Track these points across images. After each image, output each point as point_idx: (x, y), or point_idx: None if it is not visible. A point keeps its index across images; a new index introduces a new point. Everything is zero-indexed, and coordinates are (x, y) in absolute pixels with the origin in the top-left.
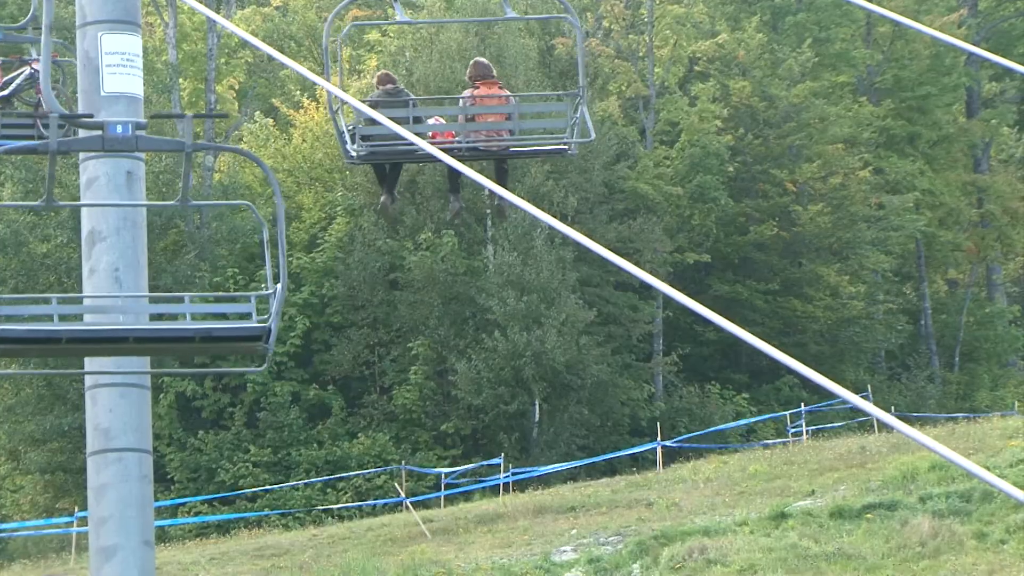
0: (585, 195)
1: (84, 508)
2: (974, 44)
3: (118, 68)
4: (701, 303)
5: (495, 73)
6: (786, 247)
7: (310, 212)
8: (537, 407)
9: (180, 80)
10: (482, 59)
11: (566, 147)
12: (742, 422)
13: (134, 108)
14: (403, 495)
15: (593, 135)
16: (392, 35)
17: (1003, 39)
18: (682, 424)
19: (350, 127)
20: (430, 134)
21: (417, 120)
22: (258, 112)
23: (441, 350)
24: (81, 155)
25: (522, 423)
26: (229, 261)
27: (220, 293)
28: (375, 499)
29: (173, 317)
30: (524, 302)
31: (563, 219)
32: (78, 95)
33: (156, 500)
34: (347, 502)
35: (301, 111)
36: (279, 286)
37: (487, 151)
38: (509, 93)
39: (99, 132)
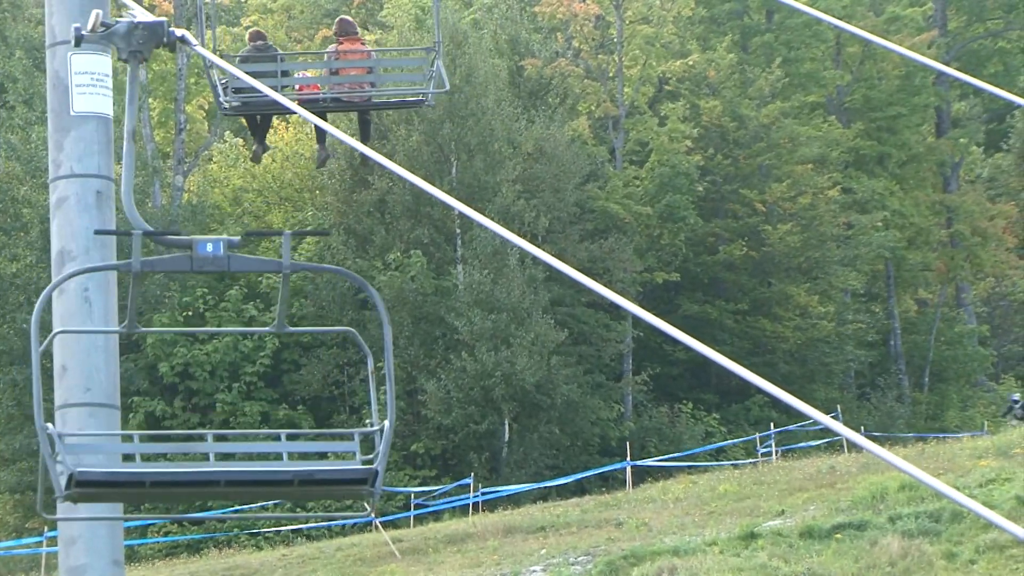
0: (557, 215)
1: (54, 528)
2: (944, 64)
3: (88, 88)
4: (670, 323)
5: (358, 31)
6: (755, 267)
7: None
8: (507, 427)
9: (150, 100)
10: (346, 17)
11: (423, 99)
12: (712, 446)
13: (104, 128)
14: (372, 515)
15: (447, 86)
16: None
17: (972, 59)
18: (652, 444)
19: (223, 81)
20: (297, 87)
21: (285, 74)
22: (228, 132)
23: (411, 370)
24: (50, 173)
25: (492, 443)
26: (199, 281)
27: (320, 430)
28: (344, 519)
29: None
30: (492, 321)
31: (534, 239)
32: (48, 115)
33: (126, 520)
34: (316, 522)
35: (270, 131)
36: (387, 423)
37: (350, 102)
38: (371, 48)
39: (187, 251)
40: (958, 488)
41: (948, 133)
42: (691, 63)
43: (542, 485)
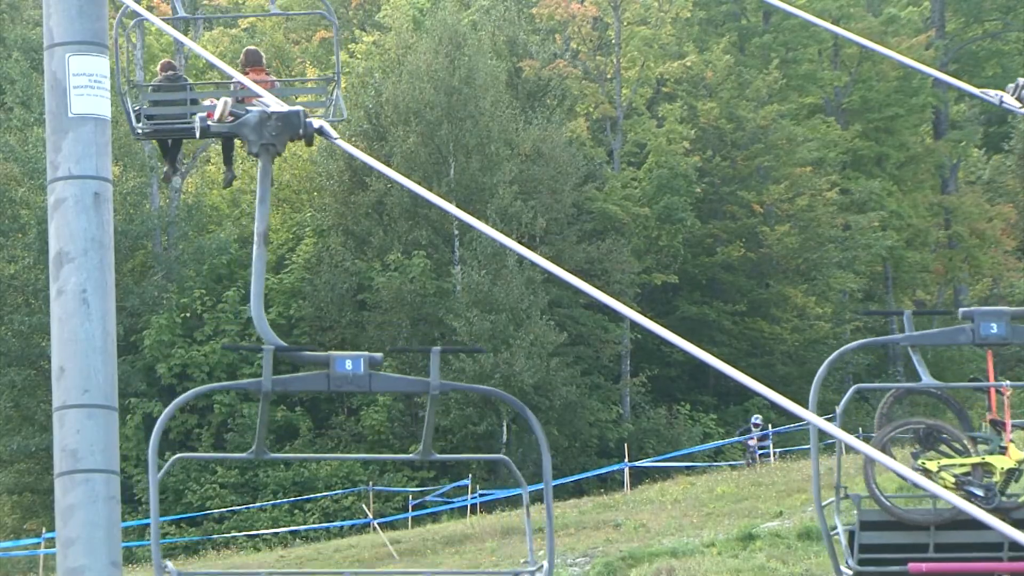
0: (554, 216)
1: (52, 529)
2: (942, 66)
3: (85, 89)
4: (668, 324)
5: (263, 61)
6: (753, 268)
7: (277, 233)
8: (505, 428)
9: None
10: (252, 47)
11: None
12: (710, 445)
13: (102, 129)
14: (370, 516)
15: (345, 115)
16: (360, 56)
17: (971, 60)
18: (650, 445)
19: (136, 108)
20: (206, 114)
21: (194, 102)
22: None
23: (409, 371)
24: (48, 175)
25: (490, 444)
26: (196, 282)
27: (472, 571)
28: (342, 520)
29: None
30: (491, 322)
31: (532, 240)
32: (45, 117)
33: (124, 521)
34: (314, 523)
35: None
36: (546, 563)
37: None
38: (275, 79)
39: (324, 369)
40: None
41: (946, 135)
42: (688, 64)
43: (540, 487)
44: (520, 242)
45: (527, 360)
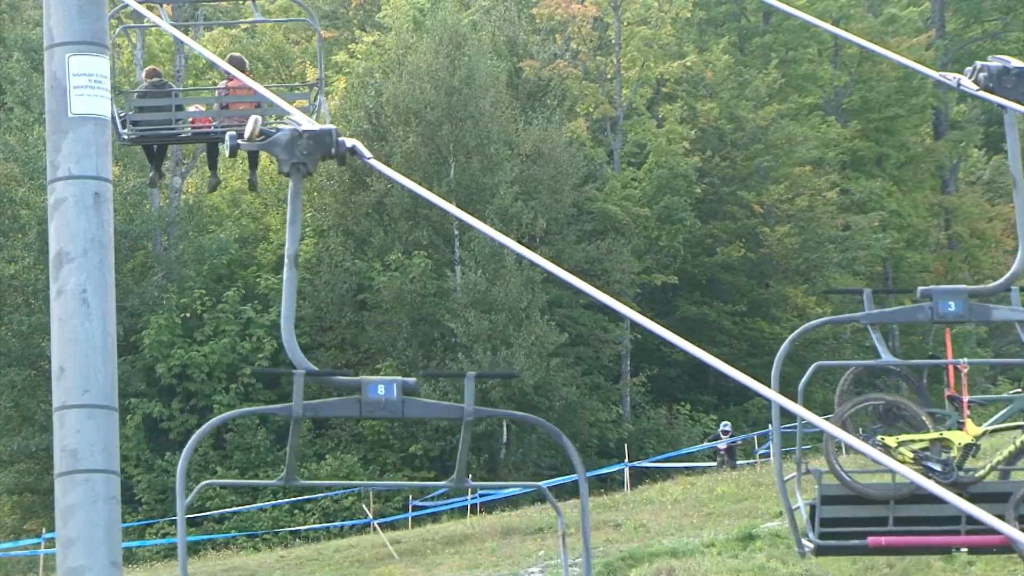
0: (554, 216)
1: (52, 529)
2: (942, 65)
3: (85, 89)
4: (668, 324)
5: (247, 67)
6: (753, 268)
7: (278, 233)
8: (505, 428)
9: None
10: (236, 54)
11: None
12: (710, 445)
13: (102, 129)
14: (370, 516)
15: (328, 121)
16: (360, 56)
17: (971, 61)
18: (650, 445)
19: (122, 114)
20: (191, 120)
21: (179, 108)
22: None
23: (409, 372)
24: (48, 175)
25: (490, 444)
26: (196, 282)
27: None
28: (342, 520)
29: None
30: (490, 321)
31: (532, 240)
32: (46, 117)
33: (124, 521)
34: (314, 523)
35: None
36: None
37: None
38: (259, 85)
39: (356, 394)
40: None
41: (946, 135)
42: (688, 64)
43: (540, 486)
44: (520, 242)
45: (527, 360)
